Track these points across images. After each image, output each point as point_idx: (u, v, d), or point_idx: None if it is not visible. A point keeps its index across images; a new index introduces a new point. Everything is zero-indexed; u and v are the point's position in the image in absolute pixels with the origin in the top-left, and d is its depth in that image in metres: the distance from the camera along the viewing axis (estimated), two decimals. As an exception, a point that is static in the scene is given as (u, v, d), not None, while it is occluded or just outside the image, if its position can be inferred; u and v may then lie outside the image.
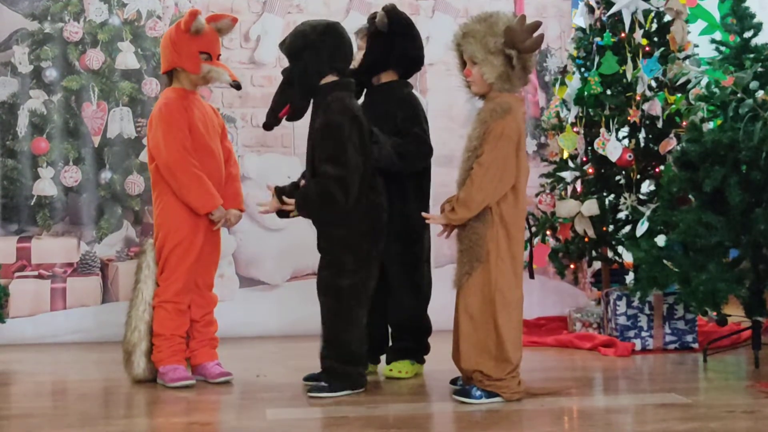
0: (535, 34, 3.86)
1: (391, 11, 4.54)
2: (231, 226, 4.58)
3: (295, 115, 4.24)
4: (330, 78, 4.20)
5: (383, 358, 4.60)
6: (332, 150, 4.05)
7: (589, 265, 5.95)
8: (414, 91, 4.73)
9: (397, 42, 4.52)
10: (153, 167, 4.40)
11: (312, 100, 4.22)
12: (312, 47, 4.16)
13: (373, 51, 4.49)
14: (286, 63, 4.30)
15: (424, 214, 4.12)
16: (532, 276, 4.43)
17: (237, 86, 4.46)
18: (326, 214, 4.11)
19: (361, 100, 4.51)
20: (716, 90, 4.79)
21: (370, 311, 4.43)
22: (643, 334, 5.20)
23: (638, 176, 5.35)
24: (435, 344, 4.56)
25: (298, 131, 4.89)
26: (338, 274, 4.10)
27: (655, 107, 5.28)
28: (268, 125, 4.26)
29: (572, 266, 5.69)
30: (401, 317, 4.55)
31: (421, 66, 4.70)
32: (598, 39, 5.48)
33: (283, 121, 4.29)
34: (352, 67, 4.46)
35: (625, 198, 5.32)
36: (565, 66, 5.73)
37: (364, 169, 4.11)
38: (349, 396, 4.06)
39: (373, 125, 4.29)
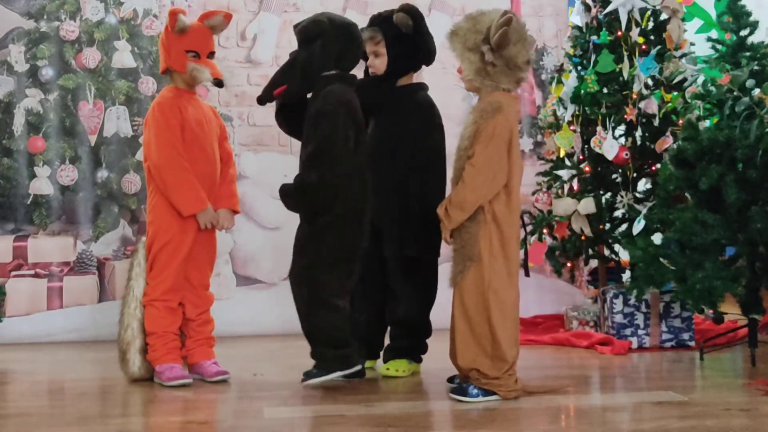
0: (520, 31, 3.85)
1: (411, 11, 4.44)
2: (221, 229, 4.51)
3: (288, 96, 4.23)
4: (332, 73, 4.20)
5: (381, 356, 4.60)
6: (321, 141, 4.04)
7: (586, 264, 5.94)
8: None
9: (420, 41, 4.46)
10: (147, 165, 4.40)
11: (312, 92, 4.20)
12: (325, 38, 4.16)
13: (401, 55, 4.39)
14: (283, 62, 4.30)
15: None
16: (527, 274, 4.43)
17: (218, 84, 4.44)
18: (306, 207, 4.14)
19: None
20: (712, 88, 4.80)
21: (369, 309, 4.43)
22: (640, 332, 5.20)
23: (635, 174, 5.34)
24: (433, 343, 4.56)
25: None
26: (315, 267, 4.10)
27: (651, 105, 5.28)
28: (261, 100, 4.29)
29: (569, 264, 5.69)
30: (400, 318, 4.51)
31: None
32: (594, 37, 5.48)
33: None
34: (372, 73, 4.42)
35: (622, 196, 5.32)
36: (562, 64, 5.73)
37: (353, 161, 4.09)
38: (346, 393, 4.05)
39: (391, 129, 4.24)
